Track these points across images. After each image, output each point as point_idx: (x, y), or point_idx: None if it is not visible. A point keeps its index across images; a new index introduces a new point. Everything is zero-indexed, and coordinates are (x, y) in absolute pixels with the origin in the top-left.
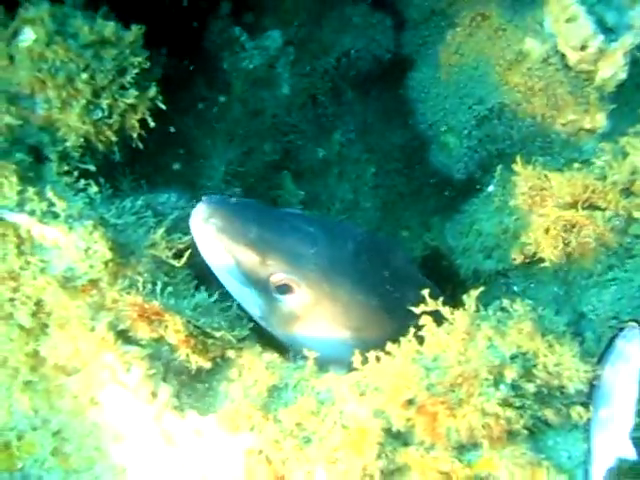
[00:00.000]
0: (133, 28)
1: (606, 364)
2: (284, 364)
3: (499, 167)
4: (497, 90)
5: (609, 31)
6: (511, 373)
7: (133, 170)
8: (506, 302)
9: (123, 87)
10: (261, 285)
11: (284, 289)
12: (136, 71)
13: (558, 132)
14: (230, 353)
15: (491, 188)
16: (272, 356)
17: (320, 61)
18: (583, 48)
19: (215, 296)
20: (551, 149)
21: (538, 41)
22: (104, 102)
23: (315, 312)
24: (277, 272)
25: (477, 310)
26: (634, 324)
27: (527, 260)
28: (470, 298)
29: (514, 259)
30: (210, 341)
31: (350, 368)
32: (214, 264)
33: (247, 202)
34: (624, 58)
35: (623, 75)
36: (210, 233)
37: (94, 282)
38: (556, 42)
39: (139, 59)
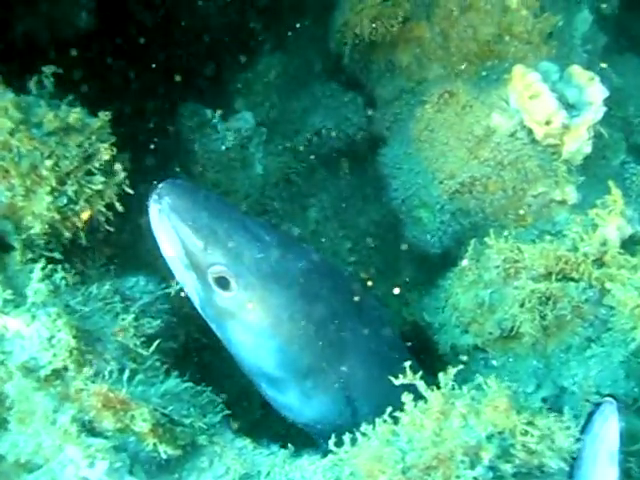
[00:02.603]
0: (100, 114)
1: (585, 444)
2: (257, 450)
3: (472, 241)
4: (467, 164)
5: (571, 107)
6: (487, 454)
7: (101, 254)
8: (480, 379)
9: (89, 173)
10: (201, 273)
11: (222, 283)
12: (103, 157)
13: (530, 204)
14: (201, 440)
15: (465, 262)
16: (244, 442)
17: (292, 140)
18: (548, 123)
19: (186, 383)
20: (524, 221)
21: (505, 117)
22: (69, 189)
23: (246, 315)
24: (217, 264)
25: (452, 388)
26: (610, 399)
27: (504, 334)
28: (446, 376)
29: (491, 333)
30: (179, 429)
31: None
32: (162, 243)
33: (211, 195)
34: (588, 133)
35: (588, 149)
36: (161, 210)
37: (58, 372)
38: (522, 118)
39: (105, 145)
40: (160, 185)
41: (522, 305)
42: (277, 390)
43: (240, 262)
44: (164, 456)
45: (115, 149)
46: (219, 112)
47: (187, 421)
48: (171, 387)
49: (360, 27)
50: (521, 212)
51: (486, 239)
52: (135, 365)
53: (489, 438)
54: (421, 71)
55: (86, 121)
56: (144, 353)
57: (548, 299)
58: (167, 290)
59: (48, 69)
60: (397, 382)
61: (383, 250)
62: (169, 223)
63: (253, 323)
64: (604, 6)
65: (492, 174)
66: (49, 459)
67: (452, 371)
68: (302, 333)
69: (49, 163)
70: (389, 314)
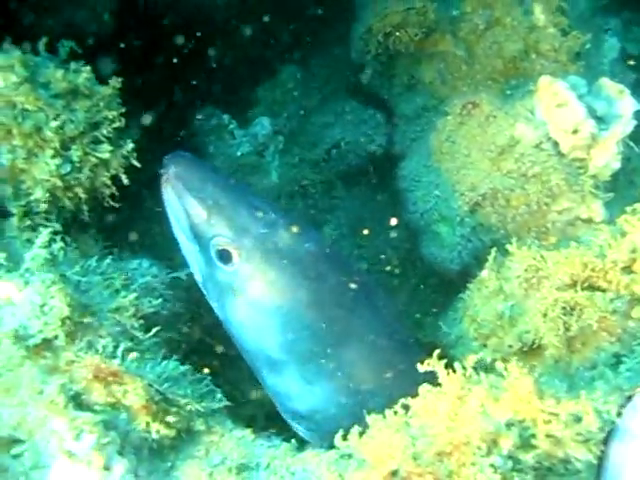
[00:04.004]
0: (111, 82)
1: (614, 441)
2: (257, 441)
3: (492, 249)
4: (489, 176)
5: (599, 120)
6: (507, 442)
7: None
8: (500, 365)
9: (96, 141)
10: (203, 245)
11: (224, 256)
12: (111, 125)
13: (554, 221)
14: (197, 426)
15: (485, 273)
16: (244, 432)
17: (310, 152)
18: (575, 132)
19: (184, 366)
20: (547, 240)
21: (530, 127)
22: (74, 155)
23: (247, 291)
24: (220, 235)
25: (469, 374)
26: None
27: (525, 349)
28: (466, 362)
29: (511, 347)
30: (174, 409)
31: None
32: (169, 211)
33: (219, 169)
34: (617, 147)
35: (617, 164)
36: (167, 179)
37: (48, 342)
38: (547, 129)
39: (114, 113)
40: (168, 155)
41: (545, 315)
42: (277, 374)
43: (244, 235)
44: (155, 436)
45: (124, 120)
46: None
47: (183, 401)
48: (169, 369)
49: (383, 34)
50: (544, 229)
51: (507, 246)
52: (132, 344)
53: (509, 426)
54: (444, 88)
55: (95, 88)
56: (140, 337)
57: (573, 309)
58: (172, 274)
59: (67, 42)
60: (422, 369)
61: (400, 274)
62: (174, 192)
63: (254, 299)
64: (632, 45)
65: (515, 186)
66: (33, 433)
67: (472, 358)
68: (306, 314)
69: (54, 124)
70: (397, 307)
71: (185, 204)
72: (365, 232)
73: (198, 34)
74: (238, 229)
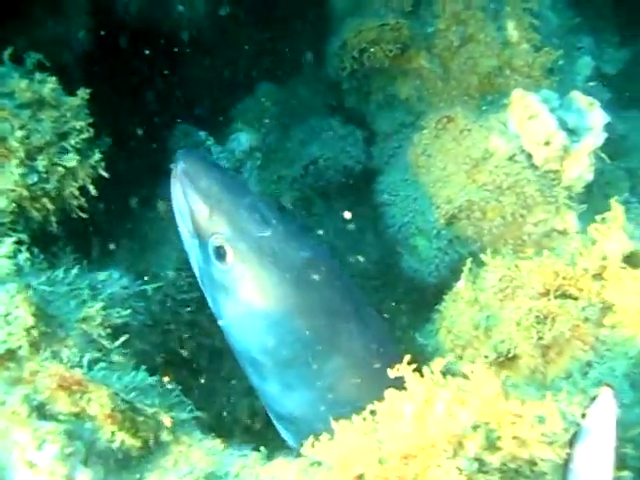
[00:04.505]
0: (79, 93)
1: (579, 443)
2: (227, 451)
3: (468, 260)
4: (465, 189)
5: (572, 132)
6: (473, 443)
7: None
8: (466, 368)
9: (63, 151)
10: (203, 241)
11: (220, 253)
12: (79, 136)
13: (530, 233)
14: (165, 436)
15: (460, 284)
16: (214, 442)
17: (288, 169)
18: (547, 144)
19: (153, 377)
20: (523, 252)
21: (503, 139)
22: (40, 164)
23: (238, 290)
24: (218, 233)
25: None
26: (607, 388)
27: (501, 359)
28: (434, 366)
29: (486, 357)
30: (140, 419)
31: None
32: (174, 205)
33: (227, 171)
34: (589, 158)
35: (590, 176)
36: (174, 174)
37: (12, 352)
38: (521, 142)
39: (82, 123)
40: (180, 151)
41: (519, 324)
42: (259, 376)
43: (241, 236)
44: (120, 446)
45: (92, 130)
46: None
47: (151, 411)
48: (137, 380)
49: (358, 50)
50: (520, 241)
51: (482, 256)
52: (99, 355)
53: (475, 428)
54: (421, 104)
55: (63, 98)
56: (108, 345)
57: (546, 317)
58: (143, 287)
59: (35, 54)
60: (391, 374)
61: (380, 291)
62: (181, 187)
63: (243, 300)
64: (607, 66)
65: (490, 198)
66: None
67: (441, 361)
68: (292, 321)
69: (19, 134)
70: (386, 324)
71: (189, 200)
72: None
73: (175, 50)
74: (237, 229)
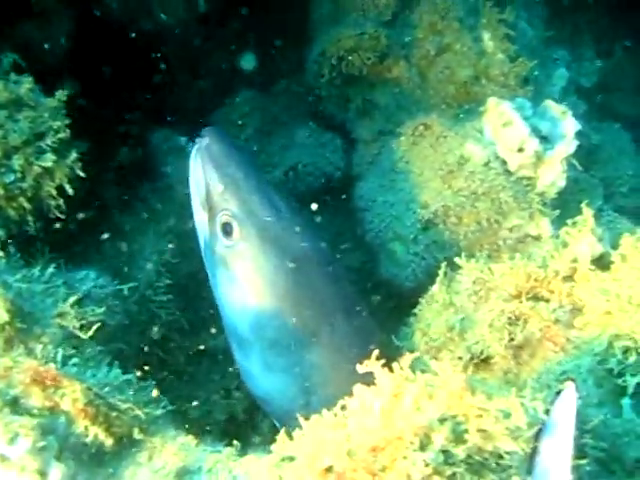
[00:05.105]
0: (57, 94)
1: (544, 436)
2: (200, 447)
3: (443, 264)
4: (441, 194)
5: (545, 140)
6: (439, 436)
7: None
8: (435, 365)
9: (40, 151)
10: (212, 215)
11: (227, 229)
12: (56, 135)
13: (505, 238)
14: (138, 434)
15: (436, 287)
16: (187, 438)
17: (267, 175)
18: (520, 151)
19: (128, 375)
20: (499, 257)
21: (478, 146)
22: (16, 163)
23: (236, 266)
24: (228, 210)
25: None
26: (570, 383)
27: (475, 360)
28: (402, 362)
29: (460, 359)
30: (114, 414)
31: None
32: (191, 178)
33: (250, 158)
34: (561, 165)
35: (562, 182)
36: (198, 148)
37: None
38: (496, 148)
39: (59, 123)
40: (207, 128)
41: (491, 325)
42: (243, 353)
43: (249, 216)
44: (93, 440)
45: (69, 131)
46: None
47: (124, 406)
48: (111, 377)
49: (337, 58)
50: (496, 246)
51: (456, 259)
52: (74, 351)
53: (441, 421)
54: (400, 113)
55: (40, 99)
56: (82, 336)
57: (518, 319)
58: (120, 287)
59: (10, 54)
60: (360, 370)
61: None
62: (201, 161)
63: (240, 277)
64: (582, 78)
65: (466, 204)
66: None
67: (408, 357)
68: (281, 305)
69: None
70: (374, 323)
71: (207, 174)
72: None
73: (156, 55)
74: (246, 209)
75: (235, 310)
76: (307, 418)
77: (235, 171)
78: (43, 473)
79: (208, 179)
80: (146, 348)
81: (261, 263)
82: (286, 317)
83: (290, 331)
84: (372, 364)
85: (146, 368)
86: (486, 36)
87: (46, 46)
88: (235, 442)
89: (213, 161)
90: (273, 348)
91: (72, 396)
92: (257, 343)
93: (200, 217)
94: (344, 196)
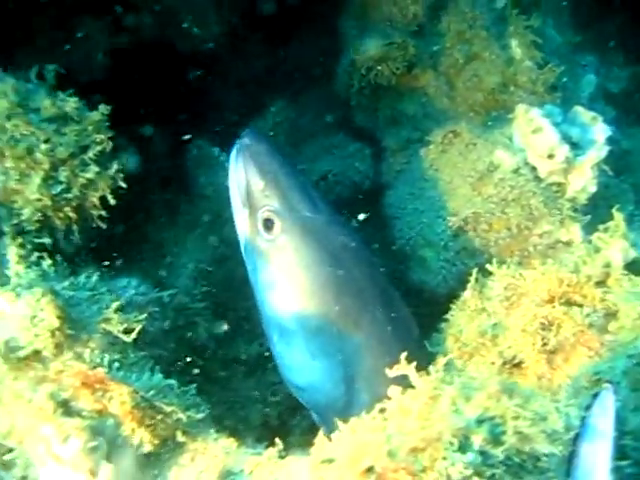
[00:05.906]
0: (100, 108)
1: (583, 440)
2: (241, 449)
3: (474, 270)
4: (471, 201)
5: (575, 146)
6: (478, 437)
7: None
8: (471, 370)
9: (84, 163)
10: (253, 212)
11: (268, 224)
12: (99, 148)
13: (535, 244)
14: (182, 437)
15: (467, 293)
16: (228, 441)
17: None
18: (550, 157)
19: (170, 380)
20: (530, 263)
21: (508, 153)
22: (62, 175)
23: (278, 259)
24: (269, 206)
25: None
26: (608, 385)
27: (507, 366)
28: (437, 364)
29: (493, 364)
30: (159, 417)
31: None
32: (231, 176)
33: (289, 158)
34: (592, 171)
35: (593, 188)
36: (239, 148)
37: (38, 353)
38: (526, 156)
39: (102, 136)
40: (247, 129)
41: (524, 330)
42: (285, 342)
43: (290, 212)
44: (140, 442)
45: (112, 143)
46: None
47: (169, 410)
48: (155, 382)
49: (366, 68)
50: (527, 253)
51: (487, 266)
52: (119, 356)
53: (479, 422)
54: (428, 121)
55: (85, 114)
56: (126, 340)
57: (551, 324)
58: (161, 294)
59: (51, 66)
60: (391, 374)
61: None
62: (242, 160)
63: (282, 268)
64: (611, 84)
65: (496, 210)
66: (22, 440)
67: (442, 360)
68: (323, 294)
69: (44, 148)
70: (409, 311)
71: (248, 172)
72: None
73: (191, 68)
74: (287, 205)
75: (278, 301)
76: (346, 420)
77: (275, 169)
78: (94, 472)
79: (249, 177)
80: (184, 354)
81: (302, 254)
82: (329, 305)
83: (333, 319)
84: (403, 367)
85: (195, 372)
86: (514, 43)
87: (86, 62)
88: (277, 440)
89: (254, 160)
90: (317, 335)
91: (120, 399)
92: (301, 332)
93: (241, 216)
94: (366, 213)
